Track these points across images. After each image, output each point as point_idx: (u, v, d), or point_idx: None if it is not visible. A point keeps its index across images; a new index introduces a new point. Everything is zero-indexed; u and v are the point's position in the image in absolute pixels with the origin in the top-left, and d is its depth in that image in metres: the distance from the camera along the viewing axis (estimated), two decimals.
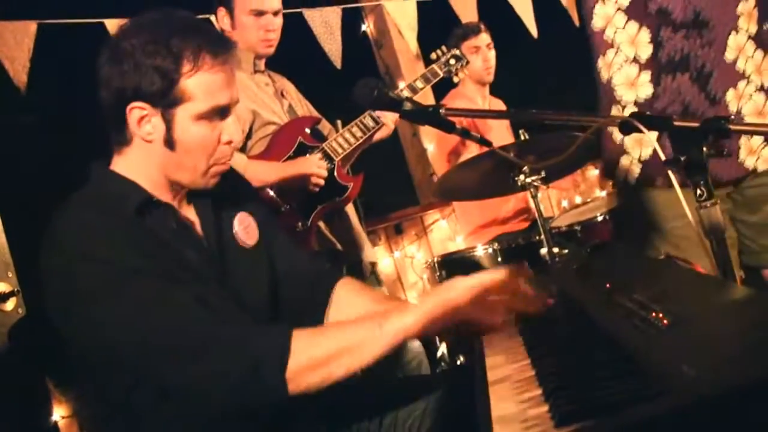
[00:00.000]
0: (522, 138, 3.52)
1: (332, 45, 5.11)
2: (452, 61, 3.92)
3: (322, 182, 3.26)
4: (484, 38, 4.78)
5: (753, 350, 0.97)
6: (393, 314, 1.72)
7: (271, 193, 3.19)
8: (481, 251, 3.90)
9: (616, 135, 2.53)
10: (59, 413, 3.65)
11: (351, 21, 5.50)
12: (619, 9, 2.43)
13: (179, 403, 1.75)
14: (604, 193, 5.79)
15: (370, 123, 3.47)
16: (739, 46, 2.39)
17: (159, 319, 1.67)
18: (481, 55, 4.75)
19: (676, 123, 1.54)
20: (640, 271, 1.92)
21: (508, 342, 1.62)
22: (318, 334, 1.77)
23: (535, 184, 3.26)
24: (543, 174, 3.29)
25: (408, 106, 1.92)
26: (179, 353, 1.65)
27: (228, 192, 2.01)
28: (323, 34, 5.08)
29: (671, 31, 2.37)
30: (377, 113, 3.46)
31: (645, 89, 2.42)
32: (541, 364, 1.33)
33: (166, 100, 1.76)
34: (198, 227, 1.94)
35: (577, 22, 6.34)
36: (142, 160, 1.84)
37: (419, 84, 3.73)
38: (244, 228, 2.03)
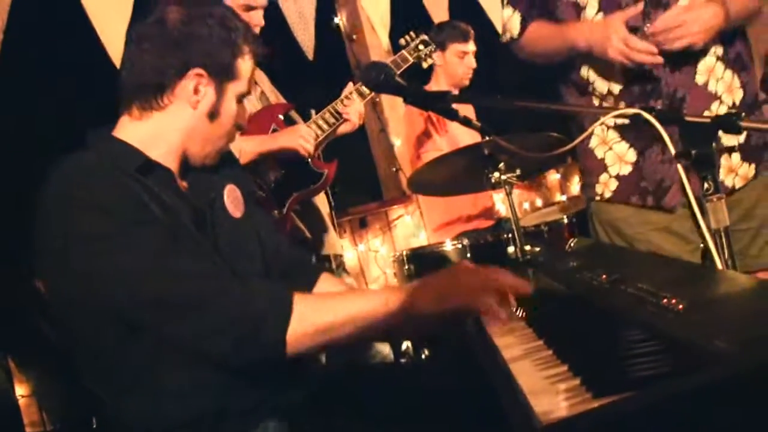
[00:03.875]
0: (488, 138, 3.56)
1: (305, 36, 5.13)
2: (421, 47, 3.90)
3: (311, 149, 3.27)
4: (472, 46, 4.80)
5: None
6: (401, 290, 1.75)
7: None
8: (449, 246, 3.94)
9: (598, 152, 2.63)
10: (20, 392, 3.62)
11: (324, 13, 5.52)
12: None
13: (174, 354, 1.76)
14: (564, 197, 5.88)
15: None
16: (708, 69, 2.47)
17: (161, 269, 1.69)
18: (465, 61, 4.77)
19: (688, 118, 1.59)
20: (632, 263, 1.97)
21: (511, 326, 1.65)
22: (323, 300, 1.86)
23: (510, 181, 3.29)
24: (518, 172, 3.31)
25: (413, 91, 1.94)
26: (181, 304, 1.68)
27: (217, 165, 2.04)
28: (297, 25, 5.10)
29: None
30: (343, 108, 3.49)
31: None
32: (556, 345, 1.36)
33: (226, 73, 1.88)
34: (193, 197, 1.96)
35: None
36: (167, 125, 1.88)
37: None
38: (233, 200, 2.05)
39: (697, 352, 1.03)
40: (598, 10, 2.51)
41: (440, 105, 1.92)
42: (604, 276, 1.69)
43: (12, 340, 3.41)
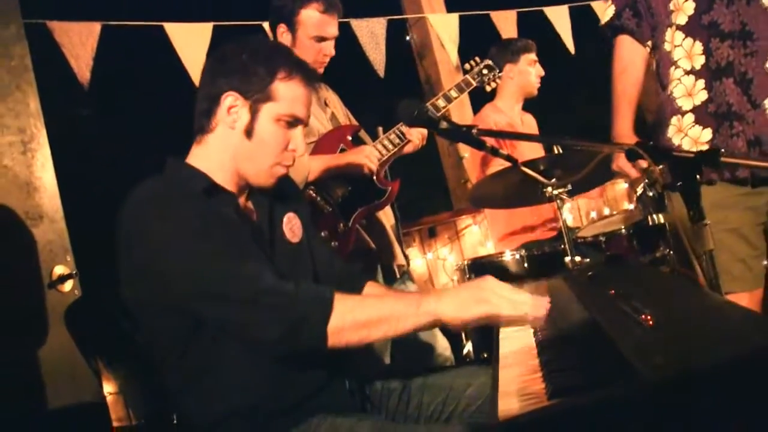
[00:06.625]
0: (555, 151, 3.74)
1: (377, 54, 5.35)
2: (485, 71, 4.09)
3: (374, 168, 3.50)
4: (536, 55, 5.04)
5: (708, 347, 1.19)
6: (431, 297, 1.96)
7: (314, 195, 3.42)
8: (508, 257, 4.11)
9: (675, 140, 2.78)
10: (107, 389, 3.90)
11: (395, 32, 5.71)
12: (677, 28, 2.73)
13: (232, 346, 2.03)
14: (632, 206, 5.97)
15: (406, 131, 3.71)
16: None
17: (221, 269, 1.94)
18: (536, 68, 4.98)
19: (675, 153, 1.77)
20: (644, 282, 2.14)
21: (520, 335, 1.86)
22: (362, 300, 2.11)
23: (562, 196, 3.45)
24: (569, 187, 3.48)
25: (444, 125, 2.16)
26: (237, 299, 1.93)
27: (279, 193, 2.28)
28: (368, 44, 5.32)
29: (719, 41, 2.64)
30: (407, 129, 3.69)
31: (701, 96, 2.69)
32: (544, 353, 1.57)
33: (258, 95, 2.09)
34: (255, 219, 2.21)
35: None
36: (218, 146, 2.14)
37: (453, 93, 3.91)
38: (291, 227, 2.29)
39: (640, 365, 1.21)
40: None
41: (468, 137, 2.13)
42: (612, 291, 1.87)
43: (100, 341, 3.67)
